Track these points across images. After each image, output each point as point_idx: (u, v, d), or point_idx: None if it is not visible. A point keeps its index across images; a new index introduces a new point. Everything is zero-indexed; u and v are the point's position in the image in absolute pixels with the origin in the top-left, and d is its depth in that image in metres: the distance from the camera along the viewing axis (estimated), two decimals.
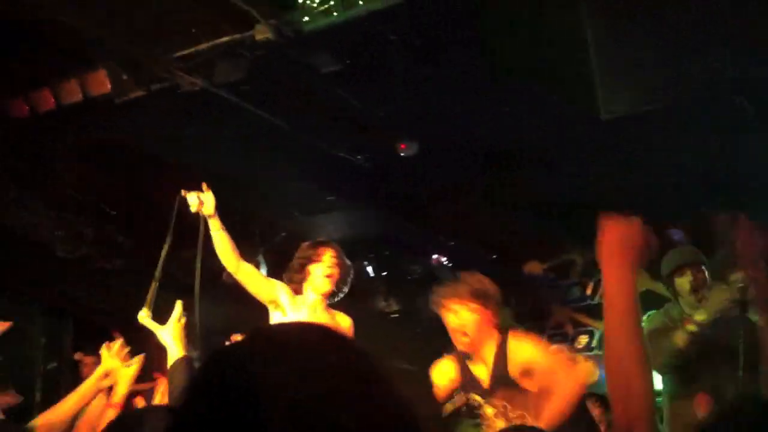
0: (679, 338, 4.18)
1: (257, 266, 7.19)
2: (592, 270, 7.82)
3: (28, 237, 5.50)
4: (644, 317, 4.67)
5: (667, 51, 4.14)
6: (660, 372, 4.35)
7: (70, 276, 6.30)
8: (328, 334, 0.96)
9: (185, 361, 3.20)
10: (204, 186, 3.94)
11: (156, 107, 4.82)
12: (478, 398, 4.03)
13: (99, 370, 3.63)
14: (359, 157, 5.72)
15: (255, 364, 0.88)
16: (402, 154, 5.39)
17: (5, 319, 6.40)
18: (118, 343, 3.72)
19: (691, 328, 4.16)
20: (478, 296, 4.04)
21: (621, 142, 5.63)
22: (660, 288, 7.33)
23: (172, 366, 3.20)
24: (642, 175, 6.23)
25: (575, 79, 4.52)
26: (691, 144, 5.64)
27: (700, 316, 4.18)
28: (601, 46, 4.09)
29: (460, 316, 4.06)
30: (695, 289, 4.35)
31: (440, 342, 7.84)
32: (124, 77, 4.67)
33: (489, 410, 3.98)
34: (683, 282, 4.40)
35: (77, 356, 7.70)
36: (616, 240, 1.74)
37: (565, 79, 4.66)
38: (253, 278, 4.27)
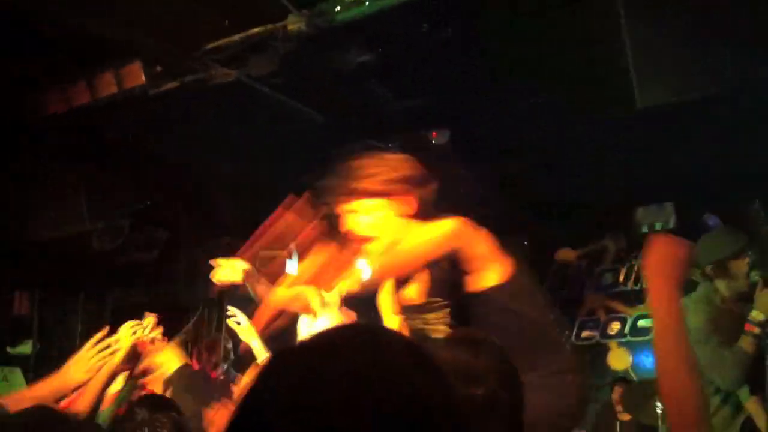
0: (747, 344, 3.92)
1: (290, 255, 7.25)
2: (625, 257, 7.81)
3: (68, 231, 5.59)
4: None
5: (704, 42, 4.09)
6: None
7: (109, 268, 6.42)
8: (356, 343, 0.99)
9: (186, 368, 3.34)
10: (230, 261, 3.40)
11: (187, 100, 4.87)
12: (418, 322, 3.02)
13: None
14: (390, 145, 5.73)
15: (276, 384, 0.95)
16: (434, 143, 5.38)
17: (46, 311, 6.53)
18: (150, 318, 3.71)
19: (756, 331, 3.91)
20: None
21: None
22: (695, 274, 7.31)
23: (175, 371, 3.33)
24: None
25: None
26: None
27: (758, 317, 4.02)
28: (636, 35, 4.06)
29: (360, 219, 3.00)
30: (747, 275, 4.23)
31: None
32: (158, 69, 4.72)
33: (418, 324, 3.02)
34: (742, 265, 4.24)
35: None
36: (663, 259, 1.85)
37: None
38: (289, 300, 4.30)
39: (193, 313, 3.92)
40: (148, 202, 5.89)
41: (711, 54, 4.08)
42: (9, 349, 7.52)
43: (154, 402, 2.96)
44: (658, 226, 6.86)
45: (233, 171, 5.90)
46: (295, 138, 5.45)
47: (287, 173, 6.15)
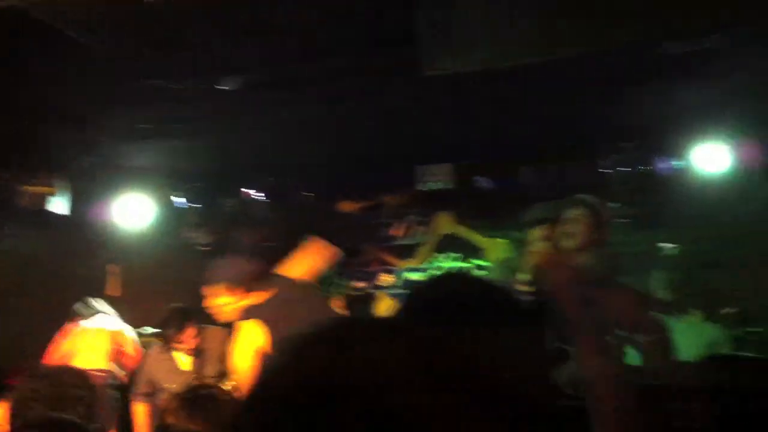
0: None
1: (54, 193, 6.76)
2: (403, 212, 8.10)
3: None
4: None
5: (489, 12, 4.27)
6: None
7: None
8: None
9: None
10: None
11: None
12: None
13: None
14: (176, 88, 5.46)
15: None
16: (222, 88, 5.21)
17: None
18: None
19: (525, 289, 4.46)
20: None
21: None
22: (462, 232, 7.75)
23: None
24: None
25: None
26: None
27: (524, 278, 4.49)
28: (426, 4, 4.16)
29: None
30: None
31: None
32: None
33: None
34: (537, 234, 4.65)
35: None
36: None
37: None
38: None
39: None
40: None
41: (499, 30, 4.29)
42: None
43: None
44: (436, 184, 7.18)
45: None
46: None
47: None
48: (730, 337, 6.00)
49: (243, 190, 7.63)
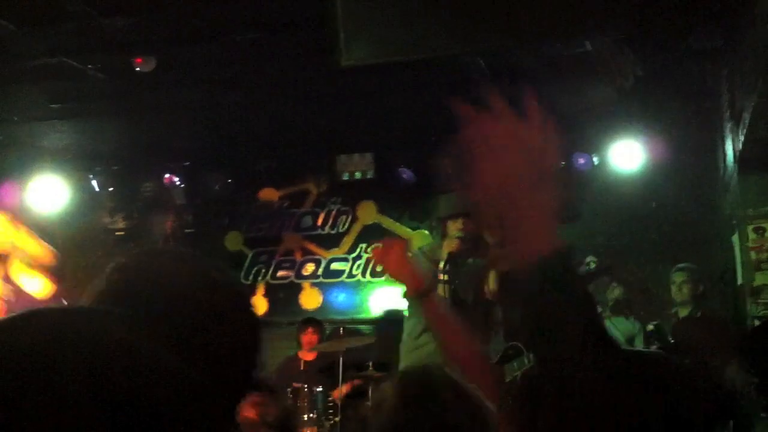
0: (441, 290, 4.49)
1: None
2: (325, 201, 8.04)
3: None
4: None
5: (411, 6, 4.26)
6: None
7: None
8: None
9: None
10: None
11: None
12: None
13: None
14: (90, 67, 5.31)
15: None
16: (138, 69, 5.07)
17: None
18: None
19: (444, 278, 4.49)
20: None
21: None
22: (387, 222, 7.74)
23: None
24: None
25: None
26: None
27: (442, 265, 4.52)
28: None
29: None
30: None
31: None
32: None
33: None
34: (454, 227, 4.68)
35: None
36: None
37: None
38: None
39: None
40: None
41: (415, 21, 4.29)
42: None
43: None
44: (358, 174, 7.15)
45: None
46: None
47: None
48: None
49: (161, 175, 7.47)
